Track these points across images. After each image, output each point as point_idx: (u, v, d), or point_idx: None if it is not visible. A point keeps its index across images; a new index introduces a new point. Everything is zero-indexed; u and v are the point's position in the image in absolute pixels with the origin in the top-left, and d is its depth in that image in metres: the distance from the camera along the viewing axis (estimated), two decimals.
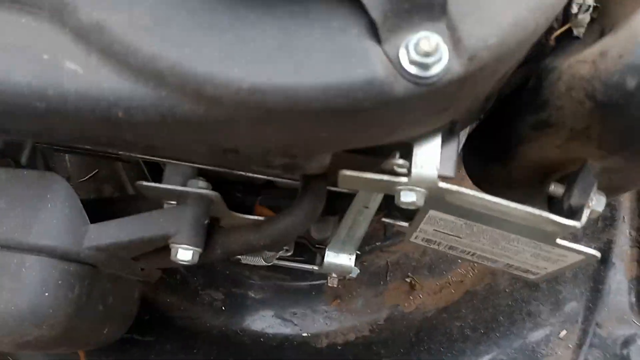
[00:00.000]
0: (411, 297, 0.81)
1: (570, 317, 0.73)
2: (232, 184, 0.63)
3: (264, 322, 0.81)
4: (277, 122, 0.37)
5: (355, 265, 0.82)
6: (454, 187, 0.47)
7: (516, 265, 0.63)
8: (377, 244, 0.83)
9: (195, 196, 0.53)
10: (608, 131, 0.42)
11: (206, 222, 0.53)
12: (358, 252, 0.68)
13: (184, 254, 0.51)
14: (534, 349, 0.71)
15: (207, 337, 0.79)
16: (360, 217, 0.59)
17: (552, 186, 0.49)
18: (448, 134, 0.50)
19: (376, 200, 0.56)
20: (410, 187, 0.48)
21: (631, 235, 0.76)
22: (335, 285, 0.68)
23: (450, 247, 0.64)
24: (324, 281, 0.82)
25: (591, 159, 0.46)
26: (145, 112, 0.38)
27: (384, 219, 0.63)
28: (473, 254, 0.64)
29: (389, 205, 0.63)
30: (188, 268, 0.84)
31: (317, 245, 0.69)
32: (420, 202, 0.48)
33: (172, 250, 0.52)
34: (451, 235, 0.60)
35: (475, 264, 0.82)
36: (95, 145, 0.50)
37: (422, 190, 0.48)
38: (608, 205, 0.78)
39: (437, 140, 0.48)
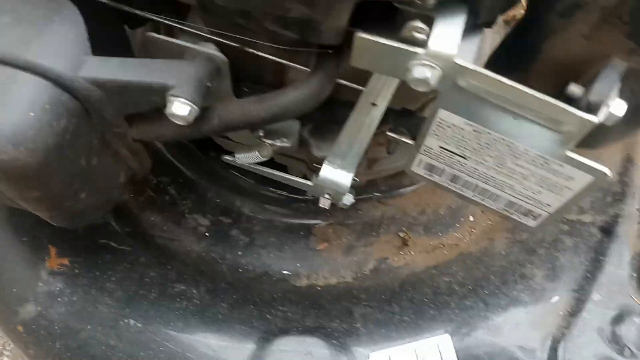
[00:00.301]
0: (402, 253, 0.78)
1: (566, 284, 0.69)
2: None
3: (245, 254, 0.77)
4: None
5: (348, 213, 0.80)
6: (471, 65, 0.46)
7: (518, 204, 0.60)
8: (376, 194, 0.81)
9: (203, 56, 0.51)
10: None
11: (208, 84, 0.51)
12: (352, 199, 0.66)
13: (180, 108, 0.49)
14: (521, 309, 0.68)
15: (184, 258, 0.76)
16: (366, 120, 0.57)
17: (571, 86, 0.47)
18: (471, 26, 0.49)
19: (386, 96, 0.54)
20: (426, 60, 0.46)
21: (639, 211, 0.73)
22: (327, 207, 0.66)
23: (453, 179, 0.62)
24: (317, 221, 0.80)
25: (618, 54, 0.45)
26: None
27: (388, 133, 0.61)
28: (475, 188, 0.61)
29: (396, 120, 0.61)
30: (179, 190, 0.81)
31: (315, 165, 0.67)
32: (433, 81, 0.46)
33: (169, 104, 0.50)
34: (457, 155, 0.58)
35: (472, 230, 0.80)
36: None
37: (437, 67, 0.46)
38: (620, 180, 0.76)
39: (461, 18, 0.46)
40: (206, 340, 0.67)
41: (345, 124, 0.59)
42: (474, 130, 0.53)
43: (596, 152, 0.54)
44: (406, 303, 0.70)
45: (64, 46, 0.47)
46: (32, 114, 0.46)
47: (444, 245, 0.78)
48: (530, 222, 0.63)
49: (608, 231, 0.72)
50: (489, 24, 0.53)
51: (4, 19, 0.47)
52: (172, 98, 0.50)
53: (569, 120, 0.45)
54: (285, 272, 0.76)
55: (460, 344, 0.66)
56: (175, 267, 0.73)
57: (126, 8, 0.53)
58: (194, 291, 0.71)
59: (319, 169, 0.66)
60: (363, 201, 0.80)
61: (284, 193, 0.80)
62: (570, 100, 0.47)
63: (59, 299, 0.70)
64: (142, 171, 0.64)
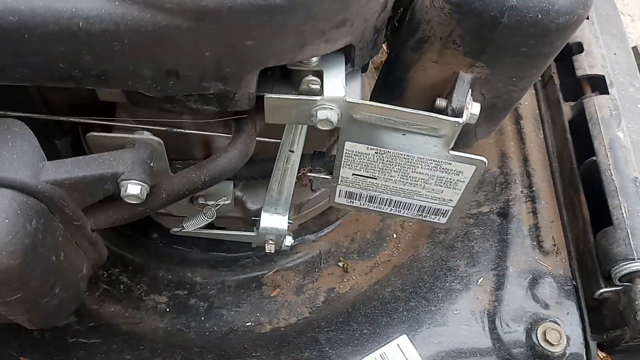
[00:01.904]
0: (345, 280, 0.87)
1: (485, 266, 0.82)
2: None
3: (208, 318, 0.83)
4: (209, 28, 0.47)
5: (290, 257, 0.89)
6: (358, 100, 0.58)
7: (427, 206, 0.72)
8: (309, 235, 0.90)
9: (141, 142, 0.60)
10: (467, 32, 0.54)
11: (152, 164, 0.60)
12: (291, 240, 0.75)
13: (133, 188, 0.57)
14: (457, 297, 0.79)
15: (152, 336, 0.81)
16: (288, 166, 0.67)
17: (437, 101, 0.61)
18: (351, 70, 0.62)
19: (299, 143, 0.66)
20: (324, 104, 0.58)
21: (523, 192, 0.88)
22: (273, 252, 0.74)
23: (371, 199, 0.74)
24: (265, 272, 0.88)
25: (463, 69, 0.59)
26: (101, 20, 0.47)
27: (309, 174, 0.72)
28: (390, 202, 0.73)
29: (312, 162, 0.72)
30: (131, 277, 0.87)
31: (253, 218, 0.76)
32: (334, 119, 0.58)
33: (122, 188, 0.58)
34: (368, 178, 0.69)
35: (399, 245, 0.91)
36: (53, 79, 0.56)
37: (335, 108, 0.58)
38: (501, 172, 0.91)
39: (341, 67, 0.59)
40: None
41: (271, 175, 0.69)
42: (376, 153, 0.65)
43: (478, 151, 0.68)
44: (362, 319, 0.79)
45: (22, 157, 0.54)
46: (6, 220, 0.52)
47: (378, 264, 0.89)
48: (442, 220, 0.75)
49: (504, 214, 0.86)
50: (364, 68, 0.67)
51: None
52: (125, 182, 0.58)
53: (442, 126, 0.59)
54: (248, 324, 0.83)
55: (416, 339, 0.76)
56: (147, 345, 0.78)
57: (61, 118, 0.62)
58: None
59: (257, 221, 0.75)
60: (300, 244, 0.89)
61: (229, 254, 0.88)
62: (440, 111, 0.61)
63: None
64: (100, 260, 0.70)
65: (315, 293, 0.86)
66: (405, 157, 0.65)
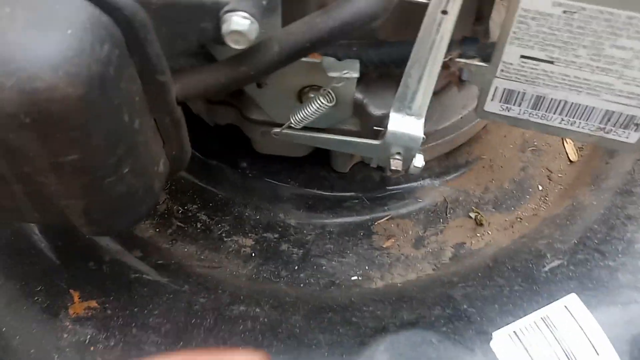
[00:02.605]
0: (478, 234, 0.68)
1: None
2: None
3: (303, 267, 0.66)
4: None
5: (407, 203, 0.71)
6: None
7: (617, 111, 0.53)
8: (431, 179, 0.72)
9: None
10: None
11: (264, 2, 0.45)
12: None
13: (240, 22, 0.42)
14: None
15: (233, 281, 0.64)
16: (435, 37, 0.50)
17: None
18: None
19: (456, 1, 0.48)
20: None
21: None
22: (400, 169, 0.57)
23: (536, 103, 0.55)
24: (375, 215, 0.70)
25: None
26: None
27: (458, 59, 0.55)
28: (563, 107, 0.55)
29: (463, 46, 0.55)
30: (211, 214, 0.71)
31: (375, 128, 0.59)
32: None
33: (225, 24, 0.42)
34: (542, 62, 0.51)
35: (546, 198, 0.71)
36: None
37: None
38: None
39: None
40: (286, 357, 0.54)
41: (409, 58, 0.52)
42: (564, 12, 0.47)
43: None
44: (510, 273, 0.59)
45: None
46: (69, 31, 0.37)
47: (521, 219, 0.69)
48: (632, 137, 0.55)
49: None
50: None
51: None
52: (229, 15, 0.42)
53: None
54: (354, 277, 0.65)
55: (591, 301, 0.55)
56: (227, 289, 0.61)
57: None
58: (257, 309, 0.58)
59: (379, 131, 0.58)
60: (419, 188, 0.71)
61: (332, 193, 0.71)
62: None
63: (92, 348, 0.56)
64: (181, 160, 0.54)
65: (439, 247, 0.67)
66: (608, 17, 0.46)
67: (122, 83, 0.42)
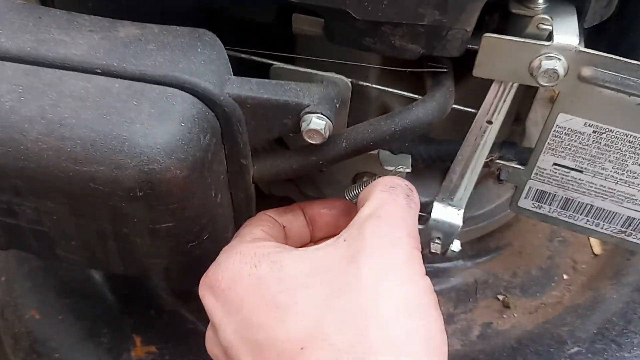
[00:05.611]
0: (505, 316, 0.73)
1: None
2: None
3: None
4: None
5: (441, 280, 0.77)
6: (594, 51, 0.49)
7: (638, 217, 0.60)
8: (464, 260, 0.78)
9: (330, 80, 0.54)
10: None
11: (337, 105, 0.53)
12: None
13: (317, 122, 0.50)
14: None
15: None
16: (480, 142, 0.58)
17: None
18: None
19: (501, 112, 0.56)
20: (551, 53, 0.49)
21: None
22: (438, 252, 0.63)
23: (565, 204, 0.62)
24: None
25: None
26: None
27: (498, 161, 0.62)
28: (589, 210, 0.61)
29: (502, 149, 0.62)
30: None
31: (419, 213, 0.66)
32: (561, 71, 0.49)
33: (304, 123, 0.51)
34: (572, 170, 0.58)
35: (570, 287, 0.77)
36: None
37: (562, 58, 0.49)
38: None
39: (573, 15, 0.51)
40: None
41: (455, 155, 0.60)
42: (594, 132, 0.54)
43: None
44: (532, 356, 0.64)
45: (209, 66, 0.49)
46: (182, 124, 0.46)
47: (546, 305, 0.74)
48: None
49: None
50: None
51: (148, 46, 0.49)
52: (309, 115, 0.51)
53: None
54: None
55: None
56: None
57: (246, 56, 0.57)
58: None
59: (422, 216, 0.65)
60: (453, 268, 0.77)
61: None
62: None
63: None
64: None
65: (468, 325, 0.73)
66: (631, 140, 0.54)
67: (214, 165, 0.50)
